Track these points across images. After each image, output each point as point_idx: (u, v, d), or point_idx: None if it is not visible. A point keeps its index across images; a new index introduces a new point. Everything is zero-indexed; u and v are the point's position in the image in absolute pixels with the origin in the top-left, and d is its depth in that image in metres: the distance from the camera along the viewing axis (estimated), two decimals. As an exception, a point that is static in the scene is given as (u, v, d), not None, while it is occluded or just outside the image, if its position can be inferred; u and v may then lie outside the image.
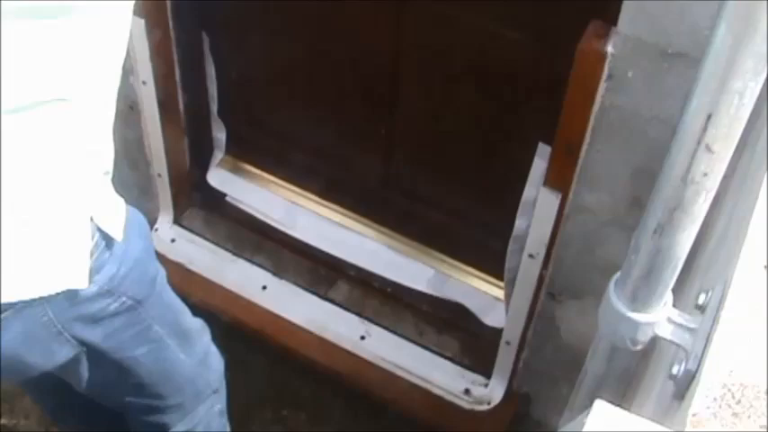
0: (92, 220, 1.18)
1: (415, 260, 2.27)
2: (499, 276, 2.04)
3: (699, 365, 0.80)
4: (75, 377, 1.40)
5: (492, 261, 2.06)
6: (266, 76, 2.22)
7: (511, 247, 1.81)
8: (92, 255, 1.19)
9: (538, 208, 1.66)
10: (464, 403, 2.09)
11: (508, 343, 1.97)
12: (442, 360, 2.15)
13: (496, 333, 2.03)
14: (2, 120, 1.05)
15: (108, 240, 1.22)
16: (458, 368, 2.14)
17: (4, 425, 2.16)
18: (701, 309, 0.88)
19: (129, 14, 1.15)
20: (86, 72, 1.11)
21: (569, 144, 1.52)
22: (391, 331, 2.20)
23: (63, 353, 1.28)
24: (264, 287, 2.27)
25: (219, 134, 2.37)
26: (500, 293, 2.10)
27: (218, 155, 2.41)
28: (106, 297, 1.25)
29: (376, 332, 2.20)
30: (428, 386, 2.11)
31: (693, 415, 0.73)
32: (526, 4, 1.69)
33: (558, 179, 1.59)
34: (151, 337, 1.41)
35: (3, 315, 1.16)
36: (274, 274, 2.30)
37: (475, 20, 1.77)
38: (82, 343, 1.29)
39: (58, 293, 1.17)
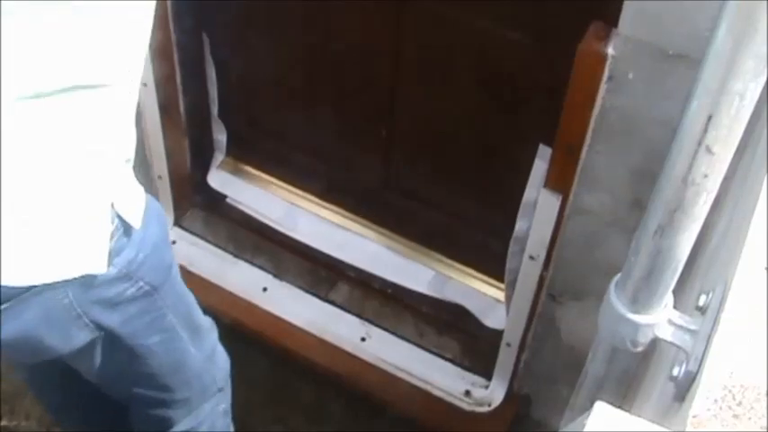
0: (112, 206, 1.21)
1: (415, 261, 2.27)
2: (500, 278, 2.04)
3: (699, 367, 0.80)
4: (87, 364, 1.41)
5: (492, 262, 2.06)
6: (266, 77, 2.22)
7: (511, 248, 1.81)
8: (111, 238, 1.22)
9: (538, 209, 1.66)
10: (464, 405, 2.09)
11: (509, 344, 1.97)
12: (442, 361, 2.16)
13: (497, 334, 2.03)
14: (29, 105, 1.07)
15: (127, 226, 1.24)
16: (458, 370, 2.14)
17: (5, 426, 2.16)
18: (702, 310, 0.88)
19: None
20: (115, 57, 1.13)
21: (570, 145, 1.52)
22: (391, 333, 2.20)
23: (81, 337, 1.30)
24: (265, 289, 2.28)
25: (220, 136, 2.37)
26: (500, 295, 2.10)
27: (219, 156, 2.41)
28: (124, 281, 1.27)
29: (376, 333, 2.20)
30: (428, 388, 2.11)
31: (694, 416, 0.73)
32: (527, 4, 1.69)
33: (559, 181, 1.59)
34: (165, 327, 1.42)
35: (24, 296, 1.18)
36: (275, 275, 2.30)
37: (475, 21, 1.77)
38: (99, 328, 1.30)
39: (77, 277, 1.20)
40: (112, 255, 1.22)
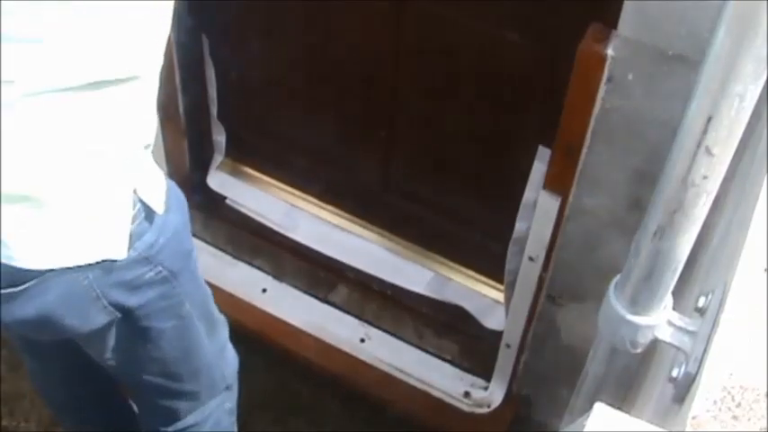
0: (135, 192, 1.23)
1: (414, 263, 2.27)
2: (499, 279, 2.04)
3: (699, 368, 0.80)
4: (101, 346, 1.43)
5: (492, 264, 2.06)
6: (266, 78, 2.22)
7: (511, 249, 1.81)
8: (133, 222, 1.24)
9: (538, 211, 1.66)
10: (464, 406, 2.09)
11: (508, 346, 1.97)
12: (441, 363, 2.16)
13: (496, 336, 2.03)
14: (57, 96, 1.09)
15: (149, 211, 1.26)
16: (457, 371, 2.14)
17: (5, 427, 2.16)
18: (701, 312, 0.88)
19: None
20: (137, 51, 1.15)
21: (569, 147, 1.52)
22: (391, 334, 2.20)
23: (99, 319, 1.32)
24: (264, 290, 2.28)
25: (219, 137, 2.37)
26: (500, 296, 2.10)
27: (218, 158, 2.41)
28: (143, 265, 1.29)
29: (376, 335, 2.20)
30: (428, 389, 2.11)
31: (693, 418, 0.73)
32: (526, 6, 1.69)
33: (558, 182, 1.59)
34: (181, 314, 1.43)
35: (44, 276, 1.21)
36: (274, 276, 2.30)
37: (475, 22, 1.77)
38: (117, 310, 1.32)
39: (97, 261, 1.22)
40: (133, 238, 1.25)
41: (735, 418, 0.73)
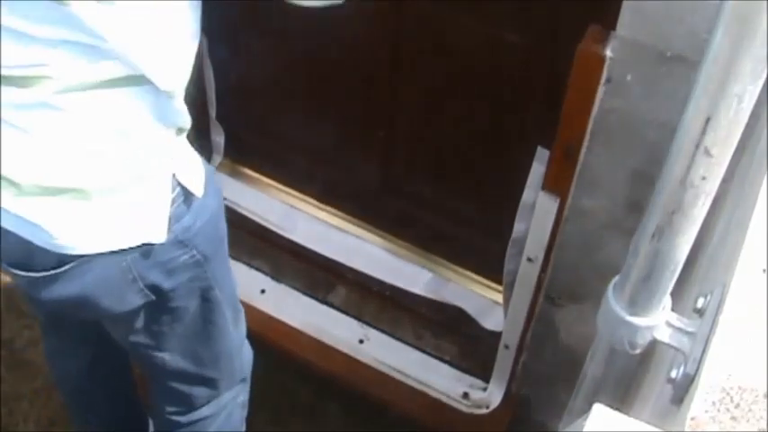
0: (174, 176, 1.25)
1: (413, 264, 2.27)
2: (498, 280, 2.04)
3: (697, 369, 0.80)
4: (128, 326, 1.45)
5: (490, 264, 2.06)
6: (265, 79, 2.22)
7: (509, 250, 1.81)
8: (172, 204, 1.26)
9: (536, 212, 1.65)
10: (463, 407, 2.09)
11: (507, 346, 1.97)
12: (440, 363, 2.15)
13: (495, 336, 2.03)
14: (97, 92, 1.13)
15: (187, 195, 1.28)
16: (456, 372, 2.14)
17: (4, 427, 2.15)
18: (700, 312, 0.88)
19: None
20: (172, 48, 1.18)
21: (568, 148, 1.52)
22: (390, 335, 2.20)
23: (134, 301, 1.34)
24: (263, 291, 2.27)
25: (218, 138, 2.37)
26: (499, 297, 2.10)
27: (217, 158, 2.41)
28: (179, 248, 1.31)
29: (374, 336, 2.20)
30: (426, 390, 2.11)
31: (692, 419, 0.73)
32: (526, 6, 1.69)
33: (557, 183, 1.59)
34: (209, 297, 1.45)
35: (85, 257, 1.23)
36: (273, 277, 2.30)
37: (475, 22, 1.77)
38: (153, 292, 1.33)
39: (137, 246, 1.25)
40: (172, 221, 1.27)
41: (733, 419, 0.73)
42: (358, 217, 2.33)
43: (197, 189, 1.29)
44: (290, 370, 2.21)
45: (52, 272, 1.26)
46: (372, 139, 2.13)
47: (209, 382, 1.63)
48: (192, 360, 1.56)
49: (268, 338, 2.18)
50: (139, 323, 1.43)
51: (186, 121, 1.26)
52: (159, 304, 1.38)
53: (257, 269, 2.31)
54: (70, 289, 1.28)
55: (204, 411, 1.67)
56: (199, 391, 1.64)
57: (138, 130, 1.19)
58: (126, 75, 1.13)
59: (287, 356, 2.17)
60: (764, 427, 0.73)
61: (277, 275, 2.30)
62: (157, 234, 1.26)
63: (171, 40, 1.16)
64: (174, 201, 1.26)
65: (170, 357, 1.54)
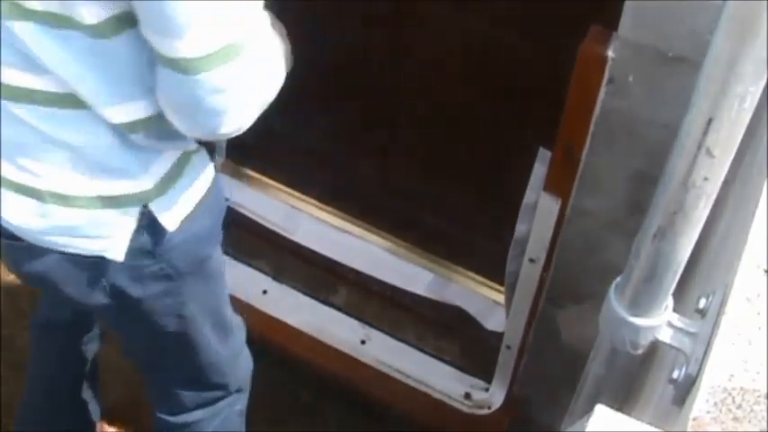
0: (145, 206, 1.24)
1: (415, 264, 2.27)
2: (499, 281, 2.04)
3: (699, 370, 0.80)
4: (108, 321, 1.53)
5: (492, 265, 2.05)
6: (266, 80, 2.22)
7: (511, 251, 1.81)
8: (137, 231, 1.25)
9: (538, 212, 1.65)
10: (464, 407, 2.09)
11: (508, 347, 1.97)
12: (442, 364, 2.15)
13: (497, 337, 2.03)
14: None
15: (158, 226, 1.27)
16: (458, 372, 2.14)
17: (4, 426, 2.15)
18: (702, 313, 0.88)
19: None
20: None
21: (570, 148, 1.52)
22: (391, 335, 2.20)
23: (97, 297, 1.33)
24: (265, 291, 2.27)
25: (220, 138, 2.36)
26: (500, 298, 2.10)
27: (219, 159, 2.40)
28: (145, 257, 1.28)
29: (376, 336, 2.20)
30: (428, 390, 2.11)
31: (694, 419, 0.73)
32: (526, 6, 1.69)
33: (559, 184, 1.59)
34: (183, 314, 1.42)
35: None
36: (274, 278, 2.30)
37: (475, 23, 1.77)
38: (116, 294, 1.32)
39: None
40: (136, 235, 1.25)
41: (735, 419, 0.73)
42: (359, 217, 2.33)
43: (170, 224, 1.27)
44: (291, 370, 2.21)
45: (15, 242, 1.26)
46: (374, 140, 2.13)
47: (196, 387, 1.62)
48: (174, 367, 1.56)
49: (269, 339, 2.19)
50: (115, 323, 1.45)
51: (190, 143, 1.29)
52: (130, 310, 1.36)
53: (259, 270, 2.31)
54: (36, 266, 1.29)
55: (197, 414, 1.65)
56: (186, 396, 1.62)
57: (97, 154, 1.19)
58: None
59: (288, 356, 2.18)
60: (766, 427, 0.73)
61: (278, 276, 2.30)
62: (114, 253, 1.25)
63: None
64: (139, 229, 1.25)
65: (151, 360, 1.54)
